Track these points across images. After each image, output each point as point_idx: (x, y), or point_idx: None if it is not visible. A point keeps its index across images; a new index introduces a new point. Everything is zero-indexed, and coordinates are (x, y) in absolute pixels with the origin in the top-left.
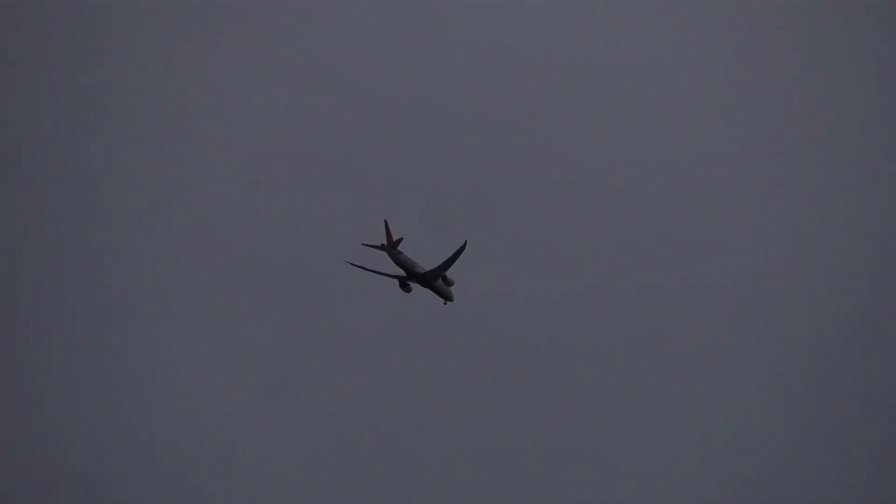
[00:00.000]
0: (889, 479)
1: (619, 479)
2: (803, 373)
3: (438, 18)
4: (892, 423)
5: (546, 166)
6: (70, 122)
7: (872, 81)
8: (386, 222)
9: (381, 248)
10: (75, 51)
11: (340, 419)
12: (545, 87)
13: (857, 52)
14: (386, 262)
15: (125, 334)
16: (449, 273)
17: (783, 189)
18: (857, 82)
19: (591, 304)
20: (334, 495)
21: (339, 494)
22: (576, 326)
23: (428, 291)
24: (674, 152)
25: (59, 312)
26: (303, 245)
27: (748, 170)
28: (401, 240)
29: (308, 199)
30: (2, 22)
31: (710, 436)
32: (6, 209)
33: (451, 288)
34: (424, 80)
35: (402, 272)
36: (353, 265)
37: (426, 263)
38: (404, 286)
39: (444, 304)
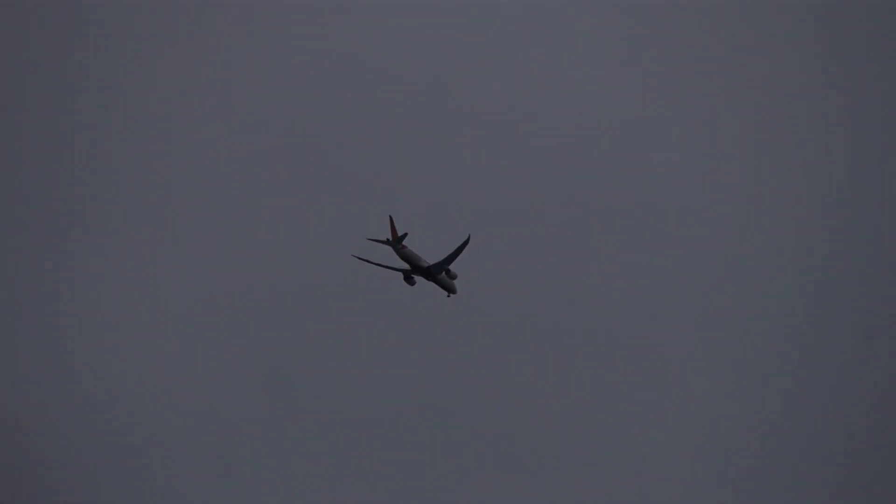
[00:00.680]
0: (887, 475)
1: (607, 476)
2: (792, 371)
3: (444, 16)
4: (891, 423)
5: (546, 166)
6: (60, 117)
7: (872, 81)
8: (391, 218)
9: (387, 242)
10: (60, 43)
11: (342, 413)
12: (545, 87)
13: (855, 52)
14: (391, 257)
15: (123, 332)
16: (451, 267)
17: (768, 188)
18: (852, 83)
19: (588, 303)
20: (335, 491)
21: (339, 491)
22: (571, 324)
23: (432, 284)
24: (674, 152)
25: (53, 310)
26: (310, 241)
27: (738, 171)
28: (405, 235)
29: (314, 196)
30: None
31: (699, 435)
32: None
33: (454, 281)
34: (433, 77)
35: (406, 266)
36: (360, 259)
37: (430, 258)
38: (409, 279)
39: (448, 296)
